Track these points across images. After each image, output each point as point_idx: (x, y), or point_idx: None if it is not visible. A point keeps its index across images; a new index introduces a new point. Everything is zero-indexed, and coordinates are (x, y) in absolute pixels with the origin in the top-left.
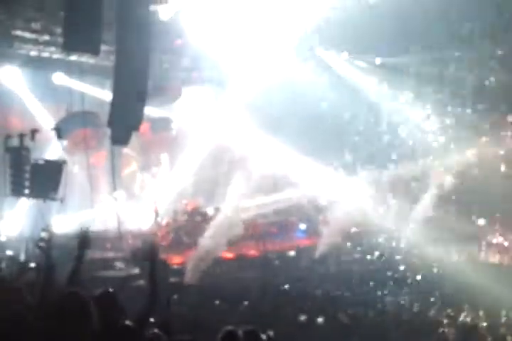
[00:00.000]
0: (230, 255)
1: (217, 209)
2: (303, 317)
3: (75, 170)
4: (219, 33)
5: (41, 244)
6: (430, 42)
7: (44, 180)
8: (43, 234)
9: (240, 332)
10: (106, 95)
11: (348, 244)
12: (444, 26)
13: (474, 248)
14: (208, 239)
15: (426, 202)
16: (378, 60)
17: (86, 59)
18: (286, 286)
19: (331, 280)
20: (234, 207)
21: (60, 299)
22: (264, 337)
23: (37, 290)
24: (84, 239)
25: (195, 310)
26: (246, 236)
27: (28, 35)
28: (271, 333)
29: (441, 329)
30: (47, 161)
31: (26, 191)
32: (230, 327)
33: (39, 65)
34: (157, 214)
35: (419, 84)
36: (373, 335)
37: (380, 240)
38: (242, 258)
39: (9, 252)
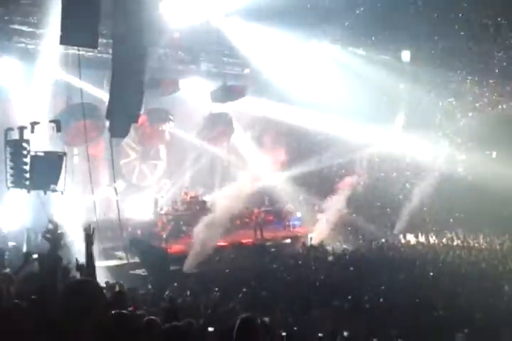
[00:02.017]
0: (227, 243)
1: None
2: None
3: (75, 162)
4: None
5: (48, 235)
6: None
7: (44, 172)
8: (50, 226)
9: (258, 320)
10: (104, 88)
11: None
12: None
13: None
14: (205, 227)
15: None
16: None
17: (84, 52)
18: (283, 273)
19: (327, 267)
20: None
21: (72, 286)
22: (259, 322)
23: (40, 280)
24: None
25: (195, 298)
26: (244, 225)
27: (25, 28)
28: (266, 319)
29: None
30: (47, 153)
31: (27, 183)
32: (246, 315)
33: (37, 58)
34: (156, 204)
35: None
36: (373, 320)
37: None
38: (239, 246)
39: (12, 243)
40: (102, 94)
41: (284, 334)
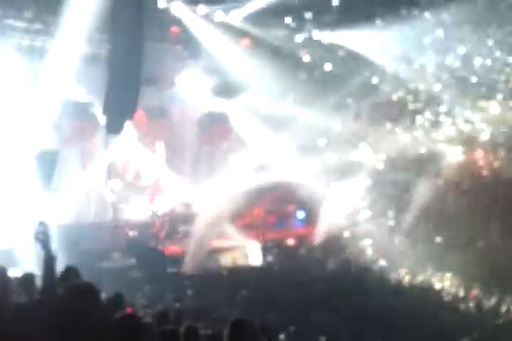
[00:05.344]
0: (227, 244)
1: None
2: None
3: (69, 161)
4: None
5: (40, 236)
6: None
7: (38, 171)
8: (40, 227)
9: (250, 323)
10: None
11: None
12: None
13: None
14: (203, 228)
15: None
16: None
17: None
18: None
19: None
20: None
21: (70, 290)
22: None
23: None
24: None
25: (193, 300)
26: (245, 226)
27: (19, 23)
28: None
29: None
30: (41, 152)
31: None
32: (237, 318)
33: (32, 54)
34: (153, 204)
35: None
36: (377, 324)
37: None
38: None
39: None
40: (97, 92)
41: (281, 336)
